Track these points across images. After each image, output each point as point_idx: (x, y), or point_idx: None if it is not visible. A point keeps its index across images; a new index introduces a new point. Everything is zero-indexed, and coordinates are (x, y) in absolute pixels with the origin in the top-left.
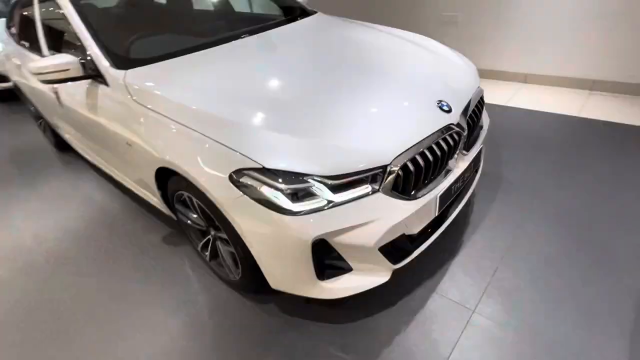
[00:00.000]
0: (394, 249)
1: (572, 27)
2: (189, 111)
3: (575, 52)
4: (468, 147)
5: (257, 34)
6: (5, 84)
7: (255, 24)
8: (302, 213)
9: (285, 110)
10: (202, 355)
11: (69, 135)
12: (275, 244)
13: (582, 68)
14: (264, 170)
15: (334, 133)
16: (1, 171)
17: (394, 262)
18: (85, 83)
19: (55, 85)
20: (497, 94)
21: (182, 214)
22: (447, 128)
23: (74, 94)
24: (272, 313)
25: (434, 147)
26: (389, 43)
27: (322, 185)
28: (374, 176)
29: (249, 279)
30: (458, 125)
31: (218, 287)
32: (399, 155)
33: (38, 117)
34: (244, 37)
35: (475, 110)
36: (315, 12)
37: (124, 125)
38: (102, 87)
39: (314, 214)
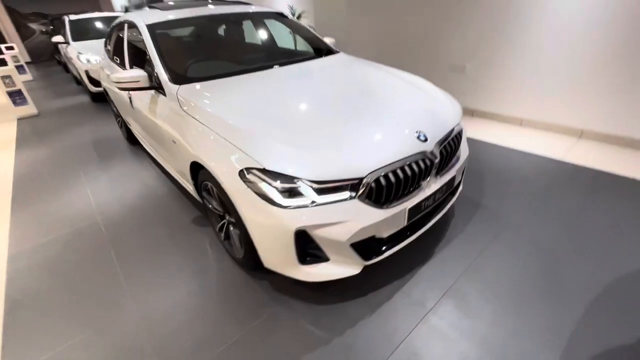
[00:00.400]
0: (365, 247)
1: (565, 81)
2: (218, 121)
3: (568, 103)
4: (441, 173)
5: (287, 66)
6: (99, 88)
7: (288, 58)
8: (290, 207)
9: (292, 126)
10: (205, 312)
11: (137, 131)
12: (268, 230)
13: (573, 117)
14: (264, 170)
15: (325, 147)
16: (85, 154)
17: (365, 258)
18: (150, 92)
19: (130, 92)
20: (494, 134)
21: (207, 200)
22: (422, 154)
23: (142, 99)
24: (265, 288)
25: (407, 168)
26: (389, 81)
27: (308, 187)
28: (353, 185)
29: (249, 257)
30: (431, 153)
31: (227, 263)
32: (373, 171)
33: (117, 115)
34: (275, 67)
35: (451, 143)
36: (339, 52)
37: (172, 126)
38: (161, 96)
39: (299, 209)
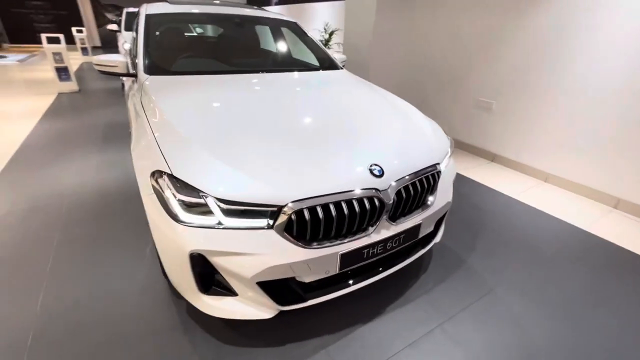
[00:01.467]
0: (281, 290)
1: (604, 139)
2: (160, 118)
3: (604, 165)
4: (397, 218)
5: (275, 73)
6: None
7: (282, 66)
8: (190, 225)
9: (231, 134)
10: (110, 321)
11: None
12: (168, 245)
13: (609, 183)
14: (171, 177)
15: (252, 166)
16: (94, 134)
17: (280, 303)
18: (133, 79)
19: (123, 78)
20: (512, 185)
21: None
22: (371, 192)
23: (127, 85)
24: (180, 309)
25: (344, 205)
26: (374, 105)
27: (216, 206)
28: (273, 213)
29: (162, 270)
30: (385, 192)
31: (157, 273)
32: (296, 201)
33: None
34: (261, 73)
35: (418, 184)
36: (342, 69)
37: (132, 116)
38: (135, 85)
39: (201, 229)
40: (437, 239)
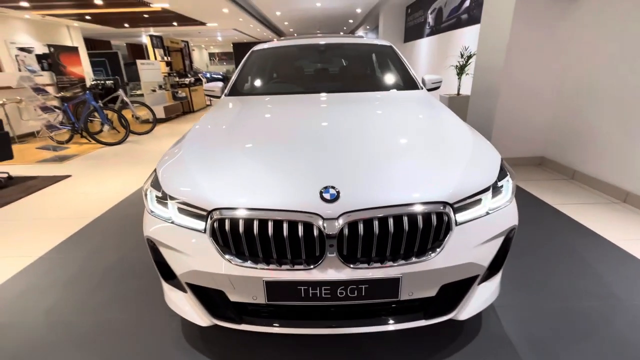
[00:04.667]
0: (216, 302)
1: None
2: (197, 126)
3: None
4: (354, 260)
5: (338, 93)
6: None
7: (357, 87)
8: (152, 213)
9: (224, 146)
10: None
11: None
12: None
13: None
14: (155, 172)
15: (212, 173)
16: None
17: (212, 314)
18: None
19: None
20: None
21: None
22: (311, 217)
23: None
24: None
25: (269, 224)
26: (411, 128)
27: (173, 204)
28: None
29: None
30: (328, 221)
31: None
32: (219, 209)
33: None
34: (321, 93)
35: (392, 223)
36: (421, 89)
37: None
38: None
39: (157, 220)
40: (461, 315)
